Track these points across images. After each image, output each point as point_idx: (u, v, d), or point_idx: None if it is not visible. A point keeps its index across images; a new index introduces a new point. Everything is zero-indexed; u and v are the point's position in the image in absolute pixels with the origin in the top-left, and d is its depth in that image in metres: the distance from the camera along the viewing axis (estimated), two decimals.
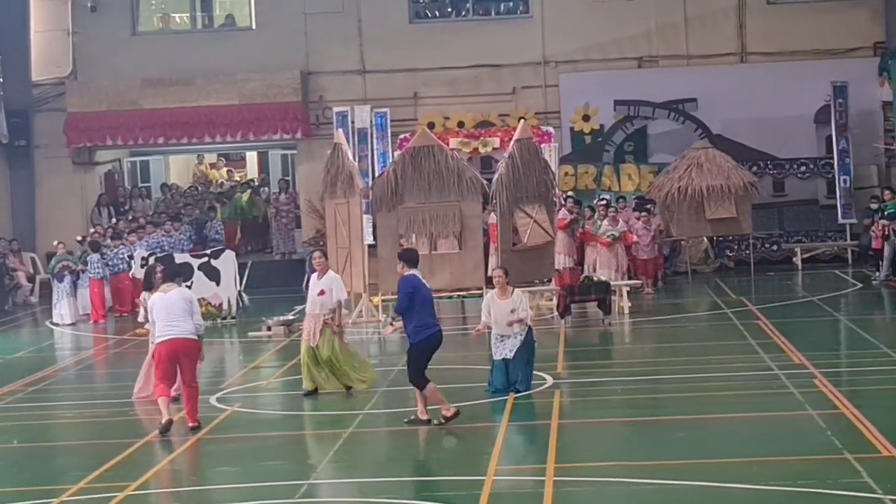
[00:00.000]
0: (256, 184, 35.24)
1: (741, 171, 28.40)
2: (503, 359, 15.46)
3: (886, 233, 25.70)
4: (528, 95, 31.53)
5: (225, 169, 37.18)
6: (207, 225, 30.43)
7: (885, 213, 26.21)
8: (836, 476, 10.96)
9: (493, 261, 24.18)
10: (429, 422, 13.89)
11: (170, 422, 14.21)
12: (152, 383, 15.60)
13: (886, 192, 26.94)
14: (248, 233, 33.16)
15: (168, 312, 14.42)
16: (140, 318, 16.75)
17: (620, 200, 28.58)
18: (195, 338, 14.50)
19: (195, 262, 24.44)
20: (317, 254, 16.63)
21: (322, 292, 16.00)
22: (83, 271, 25.95)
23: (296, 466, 12.44)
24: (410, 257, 14.42)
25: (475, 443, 13.40)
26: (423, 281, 14.20)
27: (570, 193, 28.18)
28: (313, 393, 16.10)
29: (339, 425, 14.38)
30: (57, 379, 19.24)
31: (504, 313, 15.38)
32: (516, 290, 15.83)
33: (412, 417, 14.09)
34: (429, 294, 14.17)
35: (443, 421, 13.85)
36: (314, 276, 16.39)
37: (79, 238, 28.11)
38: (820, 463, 11.58)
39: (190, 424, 14.36)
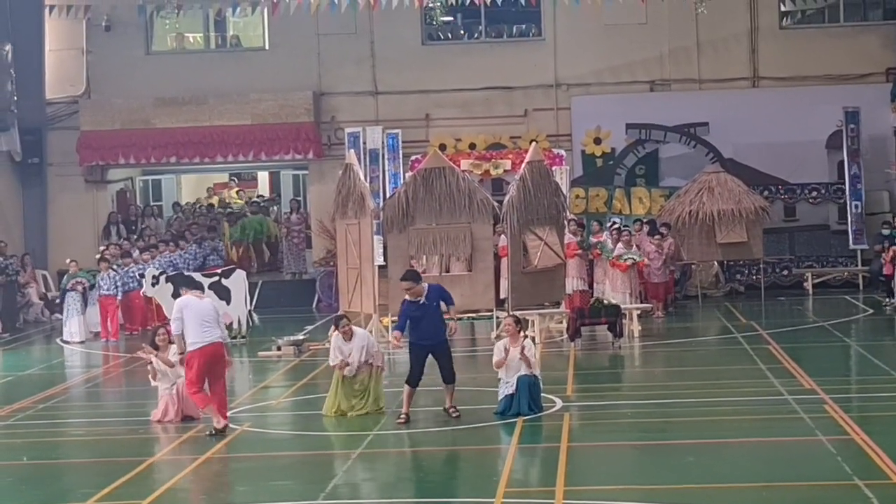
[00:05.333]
0: (263, 203, 35.29)
1: (752, 195, 28.39)
2: (508, 395, 15.52)
3: None
4: (540, 118, 31.55)
5: (236, 189, 37.27)
6: (205, 244, 30.47)
7: None
8: (846, 502, 10.93)
9: (504, 283, 24.19)
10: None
11: (226, 426, 15.02)
12: (173, 409, 15.74)
13: None
14: (258, 252, 33.19)
15: (203, 319, 14.96)
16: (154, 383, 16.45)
17: (636, 223, 28.43)
18: (225, 343, 15.36)
19: (206, 282, 24.41)
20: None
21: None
22: (92, 287, 26.02)
23: (305, 486, 12.42)
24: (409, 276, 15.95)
25: (484, 465, 13.38)
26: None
27: (572, 217, 27.62)
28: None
29: (348, 446, 14.38)
30: (67, 396, 19.26)
31: (514, 358, 15.57)
32: (527, 340, 15.93)
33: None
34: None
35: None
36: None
37: (98, 256, 28.10)
38: (830, 489, 11.54)
39: (223, 423, 14.99)
